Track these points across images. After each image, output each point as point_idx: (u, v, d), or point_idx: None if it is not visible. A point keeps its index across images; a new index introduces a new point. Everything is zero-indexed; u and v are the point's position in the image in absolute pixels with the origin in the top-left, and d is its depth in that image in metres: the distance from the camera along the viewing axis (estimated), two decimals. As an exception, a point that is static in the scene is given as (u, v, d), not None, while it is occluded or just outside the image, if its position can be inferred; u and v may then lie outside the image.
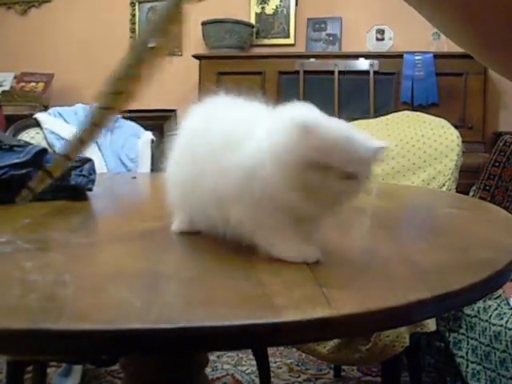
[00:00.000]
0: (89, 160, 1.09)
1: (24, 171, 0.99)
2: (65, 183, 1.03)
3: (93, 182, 1.05)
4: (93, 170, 1.07)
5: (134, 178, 1.37)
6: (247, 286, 0.54)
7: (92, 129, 0.60)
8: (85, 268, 0.61)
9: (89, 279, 0.56)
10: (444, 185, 1.85)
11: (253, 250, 0.62)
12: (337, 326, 0.48)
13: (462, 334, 1.61)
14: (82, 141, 0.60)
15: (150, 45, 0.60)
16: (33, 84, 3.45)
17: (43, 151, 1.02)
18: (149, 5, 3.61)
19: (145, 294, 0.51)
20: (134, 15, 3.63)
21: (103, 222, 0.93)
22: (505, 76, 0.70)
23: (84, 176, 1.04)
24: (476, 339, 1.56)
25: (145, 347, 0.45)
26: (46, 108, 3.35)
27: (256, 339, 0.48)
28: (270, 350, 2.07)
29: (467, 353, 1.59)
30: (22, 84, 3.47)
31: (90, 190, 1.05)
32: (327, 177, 0.57)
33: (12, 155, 1.01)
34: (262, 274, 0.58)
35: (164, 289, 0.53)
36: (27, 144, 1.07)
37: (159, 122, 3.07)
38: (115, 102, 0.61)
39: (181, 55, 3.53)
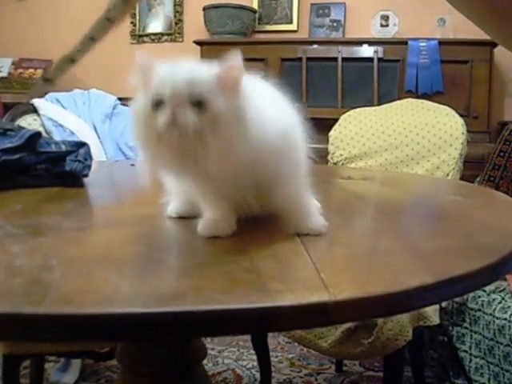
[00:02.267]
0: (84, 144, 1.05)
1: (17, 156, 0.96)
2: (60, 169, 1.00)
3: (89, 167, 1.02)
4: (88, 155, 1.04)
5: (133, 165, 1.34)
6: (241, 270, 0.51)
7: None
8: (74, 252, 0.59)
9: (77, 264, 0.54)
10: (448, 175, 1.82)
11: (247, 233, 0.60)
12: (335, 312, 0.45)
13: (466, 327, 1.59)
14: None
15: None
16: (31, 70, 3.40)
17: (37, 135, 0.99)
18: (149, -9, 3.56)
19: (133, 279, 0.50)
20: (134, 1, 3.58)
21: (97, 208, 0.91)
22: (510, 49, 0.68)
23: (79, 161, 1.01)
24: (479, 333, 1.54)
25: (131, 332, 0.44)
26: (44, 95, 3.31)
27: (250, 324, 0.46)
28: (271, 345, 2.05)
29: (470, 347, 1.57)
30: (20, 70, 3.43)
31: (86, 175, 1.02)
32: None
33: (5, 140, 0.98)
34: (258, 257, 0.56)
35: (153, 274, 0.51)
36: (21, 128, 1.04)
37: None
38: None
39: (182, 41, 3.49)
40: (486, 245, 0.62)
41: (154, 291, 0.46)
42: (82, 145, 1.05)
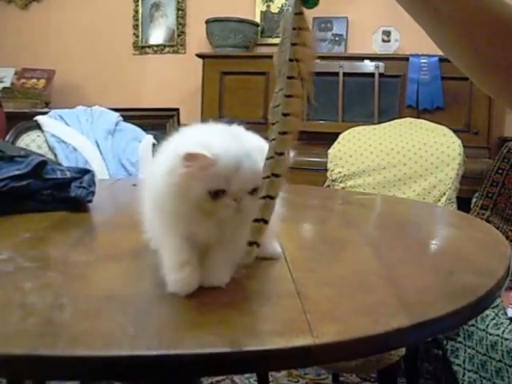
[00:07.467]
0: (88, 171, 1.09)
1: (24, 183, 1.00)
2: (65, 195, 1.03)
3: (93, 193, 1.06)
4: (92, 182, 1.07)
5: (135, 185, 1.37)
6: (235, 312, 0.56)
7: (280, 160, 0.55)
8: (81, 290, 0.63)
9: (85, 302, 0.58)
10: (444, 194, 1.86)
11: (244, 274, 0.63)
12: (317, 355, 0.50)
13: (460, 342, 1.62)
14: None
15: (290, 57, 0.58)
16: (34, 80, 3.42)
17: (43, 163, 1.02)
18: (152, 1, 3.59)
19: (137, 319, 0.53)
20: (137, 11, 3.61)
21: (101, 237, 0.95)
22: (497, 98, 0.71)
23: (84, 188, 1.04)
24: (473, 348, 1.57)
25: (136, 373, 0.48)
26: (47, 105, 3.33)
27: (240, 366, 0.50)
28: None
29: (464, 361, 1.60)
30: (23, 80, 3.44)
31: (90, 201, 1.06)
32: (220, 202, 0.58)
33: (12, 166, 1.01)
34: (252, 297, 0.60)
35: (155, 313, 0.56)
36: (27, 155, 1.07)
37: (162, 121, 3.07)
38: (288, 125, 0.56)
39: (184, 53, 3.52)
40: (465, 284, 0.66)
41: (156, 334, 0.50)
42: (87, 172, 1.09)
